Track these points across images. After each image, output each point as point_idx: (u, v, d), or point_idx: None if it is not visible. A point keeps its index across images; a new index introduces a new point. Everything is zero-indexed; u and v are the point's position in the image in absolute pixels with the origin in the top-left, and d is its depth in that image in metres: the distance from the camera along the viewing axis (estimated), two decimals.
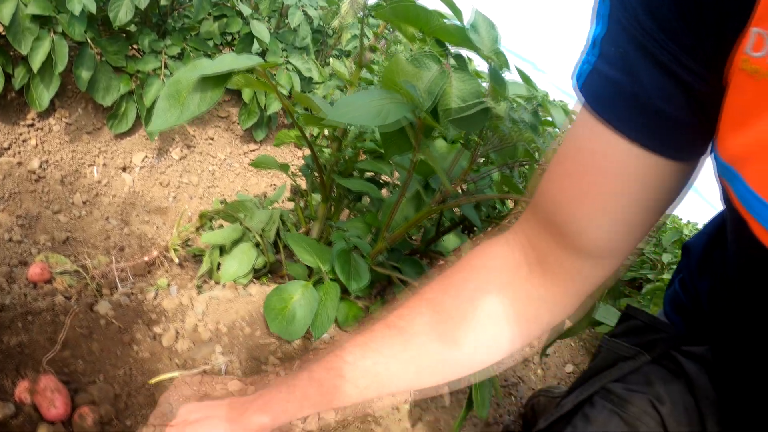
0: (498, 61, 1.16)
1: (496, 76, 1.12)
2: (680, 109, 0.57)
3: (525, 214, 0.77)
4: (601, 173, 0.63)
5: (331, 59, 3.32)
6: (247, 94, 2.74)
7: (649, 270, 3.21)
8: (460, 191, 1.48)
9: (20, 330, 1.25)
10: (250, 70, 1.03)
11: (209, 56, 2.61)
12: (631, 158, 0.61)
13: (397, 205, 1.36)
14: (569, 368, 2.08)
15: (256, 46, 2.75)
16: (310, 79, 3.01)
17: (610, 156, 0.62)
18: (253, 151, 2.92)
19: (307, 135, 1.53)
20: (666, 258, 3.14)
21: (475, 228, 2.07)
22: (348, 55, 3.56)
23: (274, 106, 2.81)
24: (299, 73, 2.85)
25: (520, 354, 2.01)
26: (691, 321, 0.92)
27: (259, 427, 0.87)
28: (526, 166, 1.70)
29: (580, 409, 0.87)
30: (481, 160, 1.73)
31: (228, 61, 0.97)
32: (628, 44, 0.57)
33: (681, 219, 4.47)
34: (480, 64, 2.47)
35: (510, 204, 2.13)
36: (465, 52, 1.20)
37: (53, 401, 1.07)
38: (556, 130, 1.55)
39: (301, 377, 0.87)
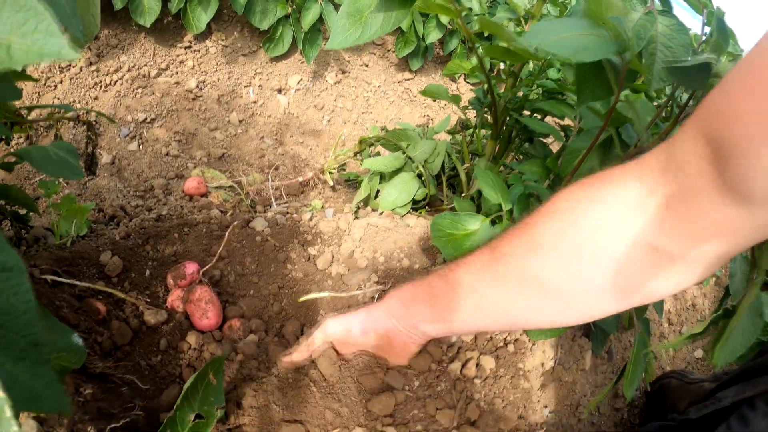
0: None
1: (721, 26, 0.91)
2: None
3: (668, 142, 0.61)
4: None
5: None
6: (405, 22, 2.59)
7: None
8: None
9: (176, 240, 1.21)
10: None
11: None
12: None
13: (588, 152, 1.17)
14: (699, 353, 1.88)
15: None
16: (470, 9, 2.80)
17: None
18: (408, 80, 2.79)
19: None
20: None
21: None
22: None
23: (433, 36, 2.65)
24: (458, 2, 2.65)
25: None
26: None
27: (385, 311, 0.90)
28: None
29: (738, 407, 0.81)
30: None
31: None
32: None
33: None
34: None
35: None
36: None
37: (206, 312, 1.02)
38: None
39: (417, 286, 0.88)
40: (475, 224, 1.14)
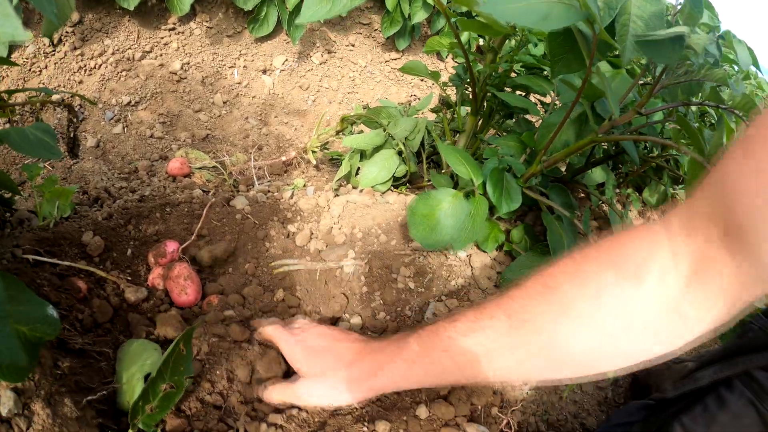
0: None
1: None
2: None
3: (688, 206, 0.60)
4: None
5: None
6: (391, 2, 2.58)
7: None
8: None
9: (158, 220, 1.22)
10: None
11: None
12: None
13: (561, 126, 1.18)
14: None
15: None
16: None
17: None
18: (395, 59, 2.78)
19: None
20: None
21: (620, 165, 1.85)
22: None
23: (419, 15, 2.64)
24: None
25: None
26: None
27: (370, 390, 0.83)
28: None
29: (715, 388, 0.80)
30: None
31: None
32: None
33: None
34: None
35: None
36: None
37: (185, 288, 1.04)
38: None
39: (410, 344, 0.80)
40: (447, 198, 1.15)
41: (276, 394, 0.88)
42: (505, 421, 1.09)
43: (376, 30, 2.76)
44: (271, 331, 0.93)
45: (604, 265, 0.65)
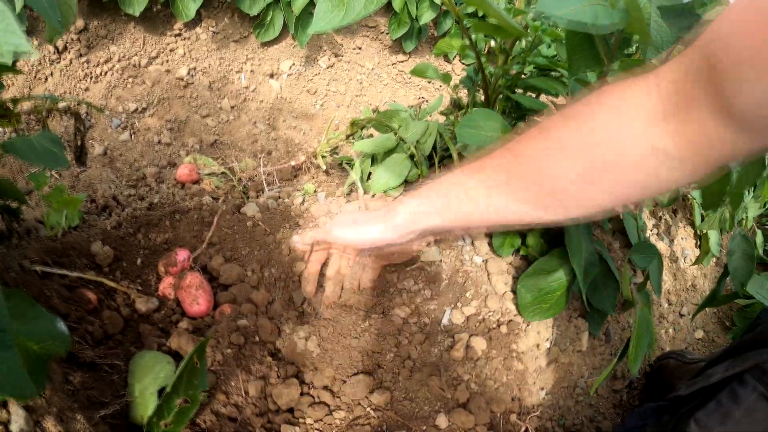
0: None
1: None
2: None
3: (679, 57, 0.66)
4: None
5: None
6: (398, 3, 2.56)
7: None
8: None
9: (168, 228, 1.20)
10: None
11: None
12: None
13: None
14: (699, 334, 1.88)
15: None
16: None
17: None
18: (402, 62, 2.77)
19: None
20: None
21: None
22: None
23: (426, 16, 2.63)
24: None
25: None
26: None
27: (392, 227, 0.94)
28: None
29: (728, 383, 0.81)
30: None
31: None
32: None
33: None
34: None
35: None
36: None
37: (197, 298, 1.02)
38: None
39: (430, 188, 0.91)
40: None
41: (307, 235, 1.06)
42: (523, 428, 1.07)
43: (382, 32, 2.74)
44: (307, 237, 1.08)
45: (601, 108, 0.72)
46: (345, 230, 0.99)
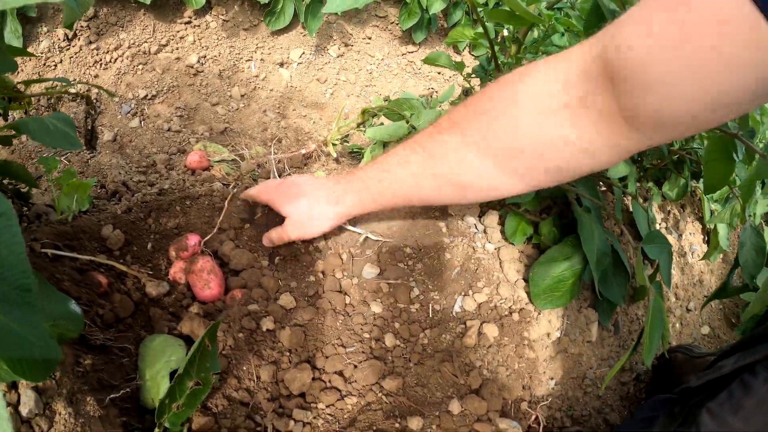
0: None
1: None
2: None
3: (589, 48, 0.68)
4: (718, 38, 0.53)
5: None
6: None
7: None
8: None
9: (178, 213, 1.20)
10: None
11: None
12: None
13: None
14: (705, 330, 1.87)
15: None
16: None
17: (741, 30, 0.52)
18: (411, 52, 2.75)
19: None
20: None
21: (641, 158, 1.85)
22: None
23: (436, 6, 2.61)
24: None
25: None
26: None
27: (337, 216, 1.06)
28: None
29: (739, 374, 0.81)
30: None
31: None
32: None
33: None
34: None
35: None
36: None
37: (208, 282, 1.01)
38: None
39: (359, 176, 1.02)
40: None
41: (273, 234, 1.10)
42: (533, 416, 1.07)
43: (392, 23, 2.73)
44: (252, 191, 1.15)
45: (516, 75, 0.77)
46: (299, 229, 1.07)
